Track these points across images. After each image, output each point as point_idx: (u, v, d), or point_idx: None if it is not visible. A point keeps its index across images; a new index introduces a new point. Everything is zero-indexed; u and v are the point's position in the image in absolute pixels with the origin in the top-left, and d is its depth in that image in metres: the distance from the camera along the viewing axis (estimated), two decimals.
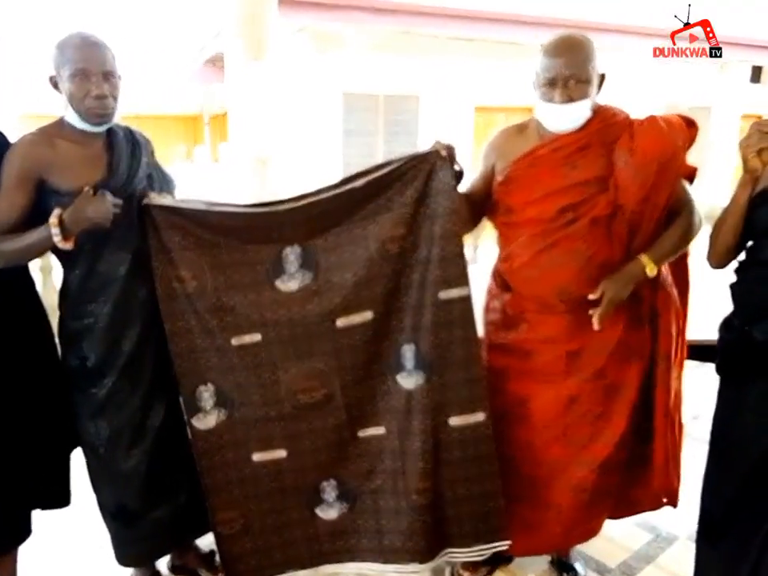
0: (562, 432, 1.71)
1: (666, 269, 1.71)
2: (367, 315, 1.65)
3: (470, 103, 8.98)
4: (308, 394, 1.71)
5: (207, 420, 1.73)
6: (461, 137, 8.72)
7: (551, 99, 1.55)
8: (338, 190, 1.60)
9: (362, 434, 1.77)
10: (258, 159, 4.98)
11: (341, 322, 1.66)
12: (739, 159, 1.45)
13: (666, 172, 1.55)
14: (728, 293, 1.62)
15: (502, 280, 1.78)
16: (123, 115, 1.64)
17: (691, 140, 1.59)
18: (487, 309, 1.84)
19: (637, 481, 1.80)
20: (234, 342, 1.68)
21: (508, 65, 8.60)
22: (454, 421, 1.70)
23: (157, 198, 1.62)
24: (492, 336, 1.79)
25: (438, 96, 8.74)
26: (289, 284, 1.66)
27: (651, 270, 1.59)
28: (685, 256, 1.78)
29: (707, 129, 9.91)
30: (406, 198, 1.59)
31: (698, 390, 1.85)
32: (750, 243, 1.57)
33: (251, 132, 4.91)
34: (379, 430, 1.76)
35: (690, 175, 1.66)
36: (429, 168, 1.58)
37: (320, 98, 8.05)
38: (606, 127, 1.60)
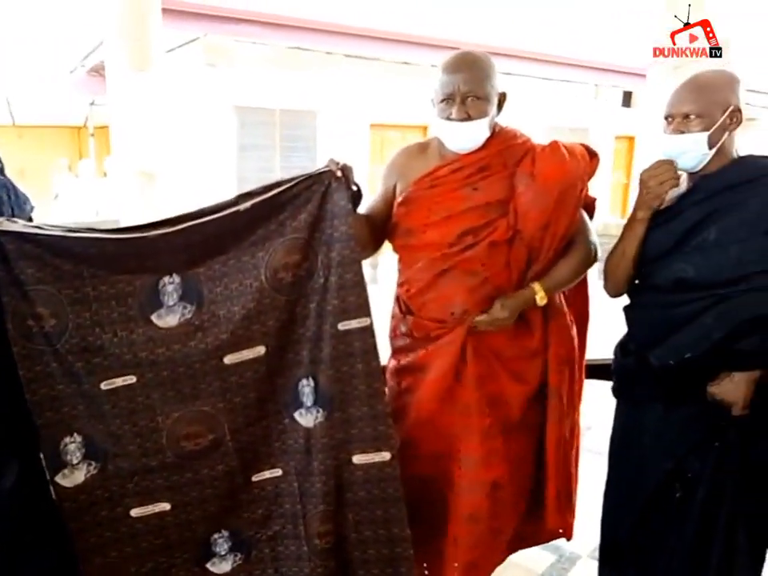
0: (456, 449, 1.65)
1: (560, 298, 1.69)
2: (259, 350, 1.51)
3: (366, 120, 9.02)
4: (193, 441, 1.53)
5: (74, 476, 1.51)
6: (357, 153, 8.73)
7: (449, 116, 1.51)
8: (220, 213, 1.45)
9: (256, 478, 1.62)
10: (144, 174, 4.70)
11: (229, 359, 1.50)
12: (638, 188, 1.47)
13: (566, 200, 1.53)
14: (622, 315, 1.65)
15: (404, 304, 1.71)
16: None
17: (592, 171, 1.59)
18: (394, 333, 1.76)
19: (530, 516, 1.75)
20: (104, 386, 1.47)
21: (403, 83, 8.75)
22: (358, 459, 1.59)
23: (5, 224, 1.39)
24: (401, 359, 1.72)
25: (335, 112, 8.72)
26: (167, 319, 1.48)
27: (542, 299, 1.57)
28: (585, 285, 1.78)
29: None
30: (300, 222, 1.48)
31: (591, 402, 1.86)
32: (641, 268, 1.60)
33: (135, 145, 4.62)
34: (276, 473, 1.62)
35: (590, 206, 1.66)
36: (323, 189, 1.47)
37: (211, 111, 7.79)
38: (508, 149, 1.57)
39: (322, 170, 1.47)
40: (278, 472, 1.61)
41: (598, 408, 1.82)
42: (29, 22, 7.89)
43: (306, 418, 1.56)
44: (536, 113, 9.61)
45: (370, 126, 9.16)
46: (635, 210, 1.51)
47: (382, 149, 9.37)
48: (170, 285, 1.47)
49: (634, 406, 1.59)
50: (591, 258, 1.65)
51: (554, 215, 1.52)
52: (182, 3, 6.48)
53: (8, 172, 1.63)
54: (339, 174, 1.46)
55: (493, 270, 1.56)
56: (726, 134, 1.44)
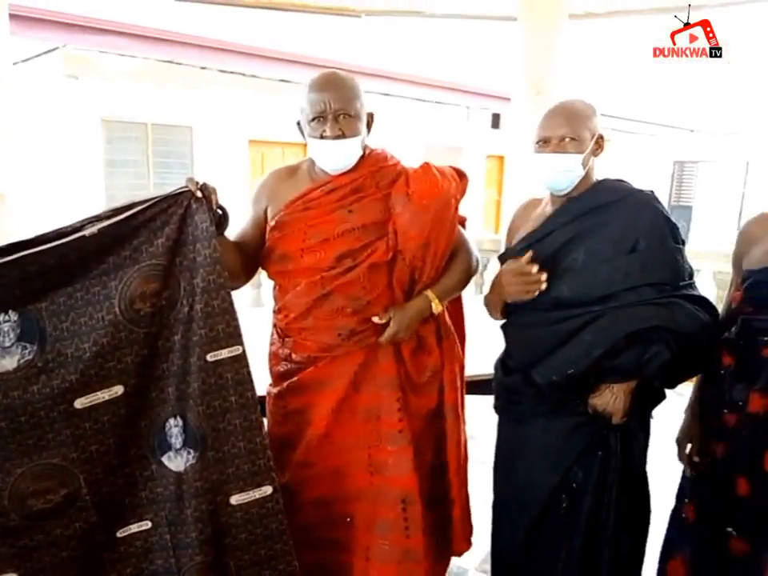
0: (367, 456, 1.59)
1: (449, 320, 1.70)
2: (116, 390, 1.36)
3: (244, 136, 8.82)
4: (42, 498, 1.34)
5: None
6: (236, 170, 8.50)
7: (322, 134, 1.47)
8: (61, 241, 1.29)
9: (121, 533, 1.45)
10: None
11: (81, 403, 1.33)
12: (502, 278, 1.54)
13: (442, 218, 1.54)
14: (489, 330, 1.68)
15: (282, 330, 1.64)
16: None
17: (463, 190, 1.62)
18: (275, 357, 1.67)
19: (435, 541, 1.70)
20: None
21: (283, 100, 8.65)
22: (237, 499, 1.48)
23: None
24: (285, 383, 1.63)
25: (211, 127, 8.43)
26: (3, 362, 1.29)
27: (437, 306, 1.58)
28: (460, 304, 1.80)
29: (460, 167, 11.06)
30: (157, 248, 1.36)
31: (473, 412, 1.88)
32: None
33: None
34: (144, 525, 1.46)
35: (461, 224, 1.68)
36: (182, 212, 1.37)
37: (75, 124, 7.22)
38: (380, 170, 1.56)
39: (180, 191, 1.37)
40: (147, 524, 1.46)
41: (480, 419, 1.83)
42: None
43: (176, 462, 1.44)
44: (413, 133, 9.91)
45: (248, 142, 8.96)
46: (495, 289, 1.58)
47: (263, 166, 9.19)
48: (6, 323, 1.28)
49: (518, 422, 1.61)
50: (474, 267, 1.68)
51: (432, 233, 1.53)
52: (34, 10, 5.97)
53: None
54: (199, 194, 1.36)
55: (375, 292, 1.54)
56: (593, 158, 1.52)
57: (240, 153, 8.87)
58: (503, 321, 1.65)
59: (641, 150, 12.19)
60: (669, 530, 1.57)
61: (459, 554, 1.77)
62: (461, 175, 1.62)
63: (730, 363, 1.40)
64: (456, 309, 1.78)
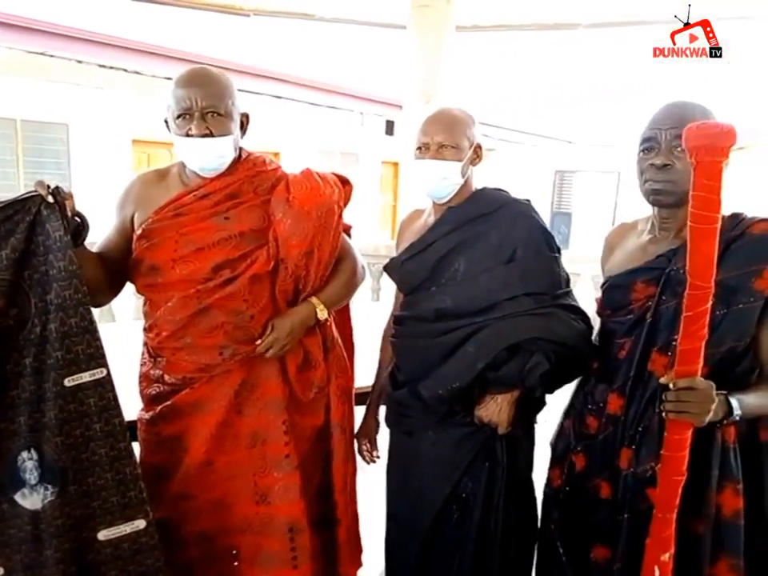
0: (253, 483, 1.50)
1: (335, 331, 1.65)
2: None
3: (127, 136, 8.32)
4: None
5: None
6: (118, 170, 7.99)
7: (188, 132, 1.37)
8: None
9: None
10: None
11: None
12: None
13: (325, 225, 1.49)
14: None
15: (153, 350, 1.51)
16: None
17: (347, 197, 1.58)
18: (145, 381, 1.54)
19: (322, 564, 1.64)
20: None
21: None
22: (105, 534, 1.35)
23: None
24: (157, 407, 1.50)
25: (91, 125, 7.88)
26: None
27: (322, 312, 1.52)
28: (347, 315, 1.76)
29: (356, 172, 11.12)
30: (0, 261, 1.21)
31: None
32: (404, 297, 1.63)
33: None
34: None
35: (347, 232, 1.65)
36: (30, 219, 1.23)
37: None
38: (258, 175, 1.49)
39: (28, 195, 1.23)
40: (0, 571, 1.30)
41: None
42: None
43: (32, 499, 1.29)
44: (308, 137, 9.82)
45: (132, 141, 8.46)
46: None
47: (149, 167, 8.72)
48: None
49: (408, 434, 1.60)
50: (360, 275, 1.64)
51: (315, 241, 1.48)
52: None
53: None
54: (51, 199, 1.23)
55: (258, 305, 1.46)
56: (471, 168, 1.53)
57: (123, 153, 8.36)
58: (392, 332, 1.63)
59: (525, 159, 12.85)
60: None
61: None
62: (344, 182, 1.58)
63: (595, 366, 1.46)
64: (343, 319, 1.74)
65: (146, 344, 1.53)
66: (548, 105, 9.27)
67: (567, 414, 1.54)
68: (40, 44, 6.79)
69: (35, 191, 1.23)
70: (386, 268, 1.66)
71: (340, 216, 1.54)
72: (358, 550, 1.73)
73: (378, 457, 1.73)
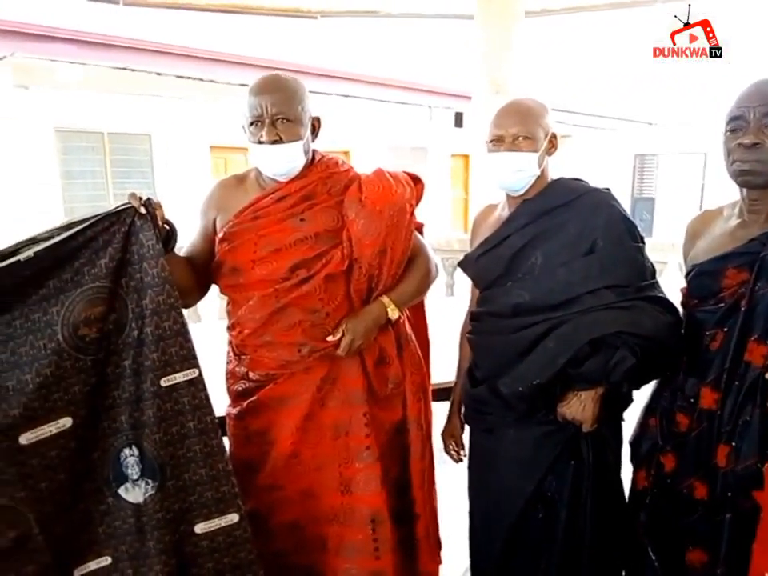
0: (338, 474, 1.54)
1: (409, 328, 1.66)
2: (65, 423, 1.29)
3: (205, 143, 8.67)
4: None
5: None
6: (198, 177, 8.34)
7: (259, 140, 1.42)
8: None
9: (80, 571, 1.38)
10: None
11: (26, 439, 1.26)
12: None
13: (398, 224, 1.50)
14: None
15: (237, 347, 1.57)
16: None
17: (419, 195, 1.58)
18: (232, 375, 1.61)
19: (402, 559, 1.65)
20: None
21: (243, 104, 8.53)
22: (201, 527, 1.42)
23: None
24: (244, 403, 1.56)
25: (171, 135, 8.27)
26: None
27: (393, 312, 1.53)
28: (422, 312, 1.76)
29: (426, 166, 11.08)
30: (100, 269, 1.29)
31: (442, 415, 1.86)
32: (479, 293, 1.61)
33: None
34: (103, 561, 1.39)
35: (418, 231, 1.64)
36: (125, 230, 1.30)
37: (27, 136, 7.00)
38: (331, 177, 1.52)
39: (122, 208, 1.31)
40: (107, 560, 1.39)
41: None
42: None
43: (134, 493, 1.37)
44: (377, 134, 9.88)
45: (210, 148, 8.81)
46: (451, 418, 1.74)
47: (226, 172, 9.05)
48: None
49: (488, 432, 1.58)
50: (432, 273, 1.64)
51: (388, 240, 1.49)
52: None
53: None
54: (143, 210, 1.30)
55: (333, 303, 1.49)
56: (547, 157, 1.50)
57: (201, 159, 8.73)
58: (469, 329, 1.62)
59: (602, 144, 12.37)
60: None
61: (427, 575, 1.72)
62: (415, 180, 1.58)
63: (684, 359, 1.40)
64: (418, 316, 1.74)
65: (230, 342, 1.60)
66: (625, 86, 8.89)
67: (651, 411, 1.48)
68: (122, 60, 7.17)
69: (128, 203, 1.30)
70: (461, 264, 1.64)
71: (412, 214, 1.55)
72: (438, 545, 1.73)
73: (464, 455, 1.72)
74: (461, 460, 1.74)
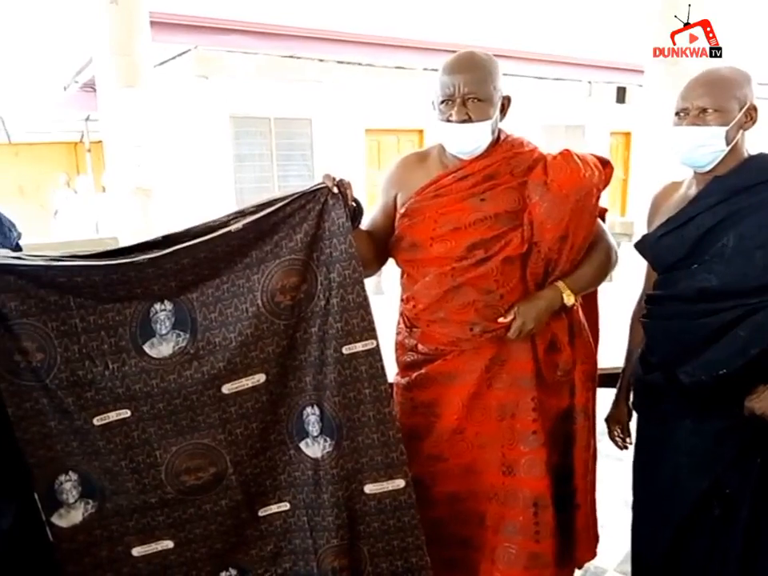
0: (501, 455, 1.55)
1: (582, 316, 1.61)
2: (259, 378, 1.43)
3: (360, 126, 8.96)
4: (194, 475, 1.45)
5: (71, 515, 1.44)
6: (353, 159, 8.66)
7: (449, 118, 1.44)
8: (211, 235, 1.37)
9: (263, 512, 1.54)
10: (140, 189, 4.63)
11: (228, 389, 1.42)
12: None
13: (582, 210, 1.46)
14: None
15: (409, 320, 1.63)
16: None
17: (607, 180, 1.53)
18: (401, 347, 1.67)
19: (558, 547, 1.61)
20: (97, 421, 1.39)
21: (397, 87, 8.69)
22: (370, 488, 1.51)
23: None
24: (413, 374, 1.62)
25: (329, 118, 8.66)
26: (160, 348, 1.40)
27: (569, 297, 1.50)
28: (595, 300, 1.71)
29: (582, 145, 10.53)
30: (296, 243, 1.40)
31: (606, 406, 1.79)
32: (658, 276, 1.52)
33: (127, 162, 4.55)
34: (283, 506, 1.54)
35: (601, 217, 1.59)
36: (319, 207, 1.40)
37: (206, 122, 7.73)
38: (515, 157, 1.50)
39: (317, 187, 1.40)
40: (286, 506, 1.54)
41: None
42: (20, 40, 7.84)
43: (313, 449, 1.49)
44: (532, 112, 9.56)
45: (365, 131, 9.10)
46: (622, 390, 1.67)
47: (379, 154, 9.32)
48: (162, 312, 1.39)
49: (661, 422, 1.50)
50: (612, 261, 1.59)
51: (570, 225, 1.46)
52: (172, 16, 6.41)
53: (7, 190, 1.56)
54: (336, 190, 1.38)
55: (508, 286, 1.49)
56: (741, 132, 1.37)
57: (357, 142, 9.04)
58: (644, 312, 1.54)
59: None
60: None
61: (581, 565, 1.69)
62: (604, 164, 1.52)
63: None
64: (590, 304, 1.69)
65: (402, 314, 1.65)
66: None
67: None
68: (288, 47, 7.62)
69: (323, 183, 1.39)
70: (637, 245, 1.56)
71: (598, 199, 1.49)
72: (595, 537, 1.69)
73: (630, 443, 1.65)
74: (626, 447, 1.67)
